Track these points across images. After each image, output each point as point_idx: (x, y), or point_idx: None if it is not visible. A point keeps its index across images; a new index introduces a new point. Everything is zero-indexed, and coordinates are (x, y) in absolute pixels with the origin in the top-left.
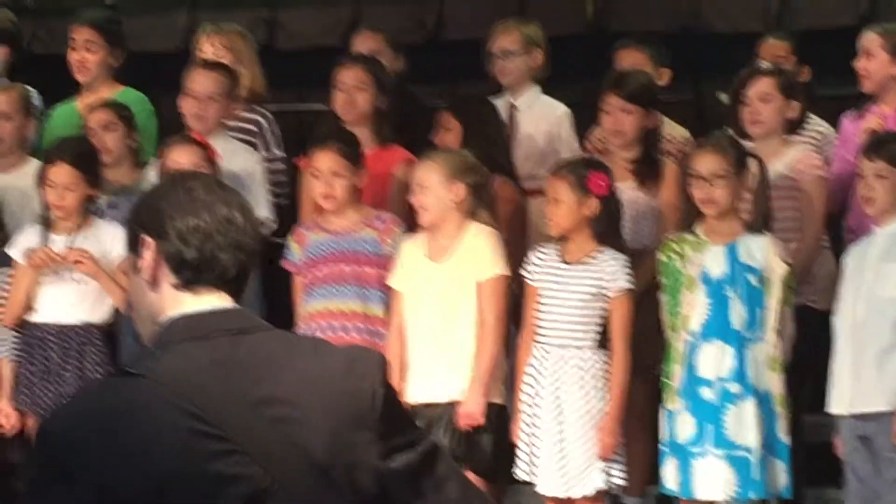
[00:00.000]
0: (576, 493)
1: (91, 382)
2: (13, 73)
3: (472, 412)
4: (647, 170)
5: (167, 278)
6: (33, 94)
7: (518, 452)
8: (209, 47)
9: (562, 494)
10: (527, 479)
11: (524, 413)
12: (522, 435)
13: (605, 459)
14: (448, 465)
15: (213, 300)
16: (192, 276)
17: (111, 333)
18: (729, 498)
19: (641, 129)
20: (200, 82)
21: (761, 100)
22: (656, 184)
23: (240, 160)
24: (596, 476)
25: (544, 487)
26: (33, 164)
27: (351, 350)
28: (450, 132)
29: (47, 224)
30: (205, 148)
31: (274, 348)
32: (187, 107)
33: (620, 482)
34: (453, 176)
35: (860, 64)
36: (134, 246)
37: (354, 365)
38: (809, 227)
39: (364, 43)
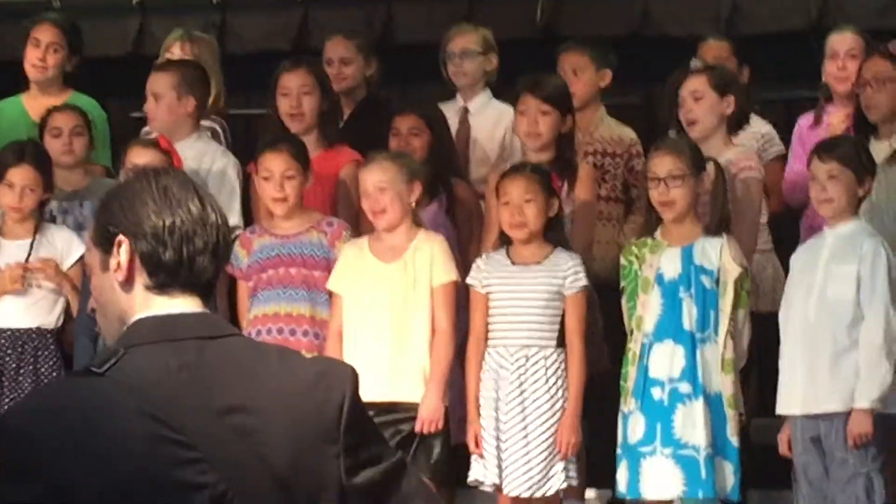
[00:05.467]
0: (539, 493)
1: (51, 380)
2: None
3: (433, 417)
4: (561, 172)
5: (141, 279)
6: None
7: (485, 456)
8: (177, 51)
9: (526, 494)
10: (489, 482)
11: (485, 417)
12: (487, 437)
13: (566, 458)
14: (414, 481)
15: (184, 303)
16: (166, 278)
17: (60, 339)
18: (676, 497)
19: (557, 131)
20: (151, 83)
21: (693, 98)
22: (571, 186)
23: (217, 162)
24: (559, 475)
25: (510, 488)
26: None
27: (320, 361)
28: (418, 137)
29: None
30: (167, 153)
31: (242, 356)
32: (147, 109)
33: (574, 482)
34: (412, 176)
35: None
36: (104, 244)
37: (323, 377)
38: (741, 228)
39: (336, 49)
